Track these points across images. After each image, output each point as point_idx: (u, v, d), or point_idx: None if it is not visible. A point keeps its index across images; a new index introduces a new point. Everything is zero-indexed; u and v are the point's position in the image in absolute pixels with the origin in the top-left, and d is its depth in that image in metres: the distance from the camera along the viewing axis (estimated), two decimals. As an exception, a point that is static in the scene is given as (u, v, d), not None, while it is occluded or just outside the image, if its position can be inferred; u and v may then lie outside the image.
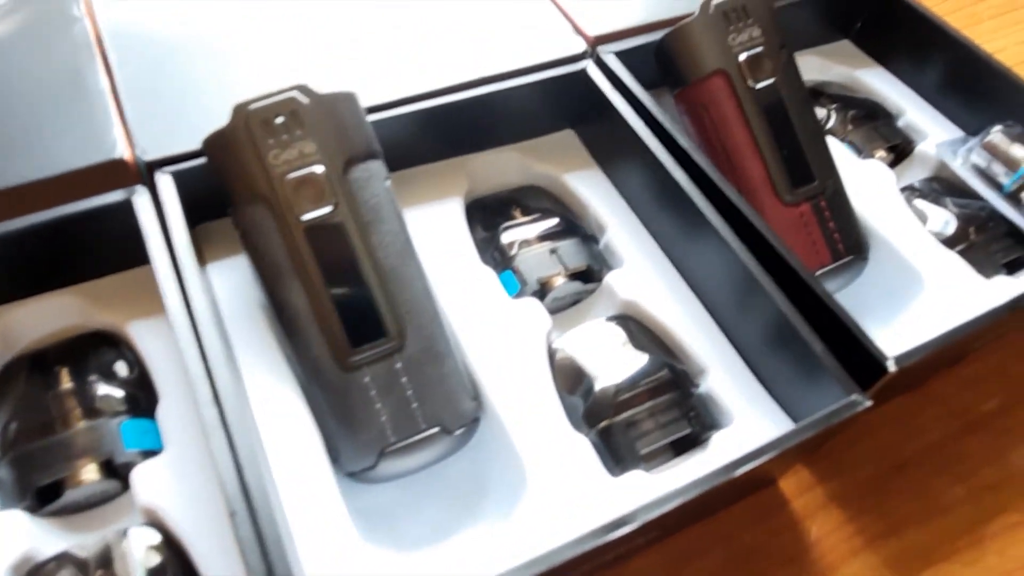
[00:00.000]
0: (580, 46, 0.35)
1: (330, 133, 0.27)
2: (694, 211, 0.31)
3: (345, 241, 0.27)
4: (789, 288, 0.29)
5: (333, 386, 0.27)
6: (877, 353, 0.27)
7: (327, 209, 0.27)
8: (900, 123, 0.42)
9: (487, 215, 0.36)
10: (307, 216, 0.27)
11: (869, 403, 0.26)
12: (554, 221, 0.35)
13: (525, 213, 0.36)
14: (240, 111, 0.27)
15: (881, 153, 0.40)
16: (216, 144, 0.27)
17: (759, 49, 0.34)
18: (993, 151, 0.38)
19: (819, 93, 0.43)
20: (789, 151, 0.34)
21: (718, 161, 0.35)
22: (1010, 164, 0.38)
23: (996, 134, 0.38)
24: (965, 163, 0.39)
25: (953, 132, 0.42)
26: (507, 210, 0.36)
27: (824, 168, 0.35)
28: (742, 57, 0.34)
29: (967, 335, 0.28)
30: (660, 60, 0.36)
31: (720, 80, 0.34)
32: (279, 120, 0.27)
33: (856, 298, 0.37)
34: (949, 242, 0.37)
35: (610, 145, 0.36)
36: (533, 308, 0.32)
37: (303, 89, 0.27)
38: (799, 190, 0.34)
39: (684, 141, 0.33)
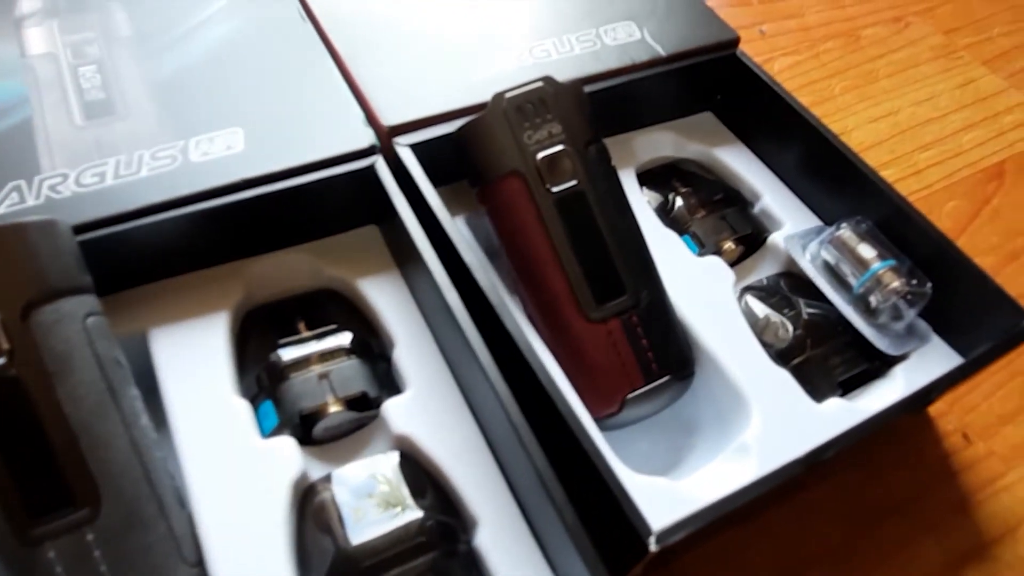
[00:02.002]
0: (368, 139, 0.32)
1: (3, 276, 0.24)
2: (465, 340, 0.27)
3: (22, 399, 0.23)
4: (562, 438, 0.26)
5: (12, 562, 0.24)
6: (639, 526, 0.24)
7: (-3, 362, 0.23)
8: (757, 208, 0.39)
9: (265, 328, 0.32)
10: (-25, 372, 0.23)
11: (615, 596, 0.22)
12: (340, 337, 0.31)
13: (310, 325, 0.32)
14: None
15: (729, 245, 0.37)
16: None
17: (559, 147, 0.30)
18: (841, 249, 0.35)
19: (671, 174, 0.40)
20: (595, 262, 0.30)
21: (520, 271, 0.31)
22: (858, 264, 0.34)
23: (844, 230, 0.35)
24: (815, 259, 0.36)
25: (810, 220, 0.38)
26: (290, 322, 0.32)
27: (639, 278, 0.31)
28: (539, 156, 0.30)
29: (745, 502, 0.25)
30: (458, 155, 0.32)
31: (515, 182, 0.30)
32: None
33: (681, 418, 0.33)
34: (785, 353, 0.33)
35: (402, 249, 0.33)
36: (284, 450, 0.28)
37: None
38: (606, 305, 0.30)
39: (469, 255, 0.29)
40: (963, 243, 0.43)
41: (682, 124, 0.41)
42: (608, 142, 0.38)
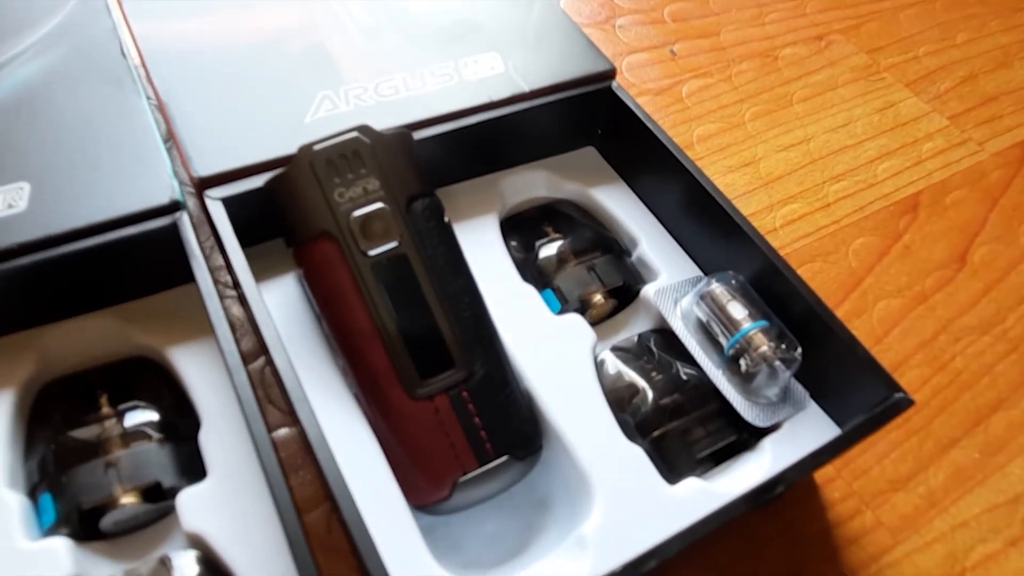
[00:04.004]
0: (170, 195, 0.28)
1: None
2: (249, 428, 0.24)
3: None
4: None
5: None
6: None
7: None
8: (634, 256, 0.36)
9: (64, 403, 0.29)
10: None
11: None
12: (143, 415, 0.28)
13: (117, 400, 0.29)
14: None
15: (598, 298, 0.34)
16: None
17: (377, 206, 0.27)
18: (712, 306, 0.32)
19: (544, 217, 0.37)
20: (419, 332, 0.27)
21: (340, 343, 0.28)
22: (729, 324, 0.31)
23: (716, 286, 0.32)
24: (687, 316, 0.33)
25: (690, 270, 0.35)
26: (90, 396, 0.29)
27: (472, 348, 0.28)
28: (353, 216, 0.27)
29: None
30: (272, 211, 0.29)
31: (327, 245, 0.27)
32: None
33: (535, 495, 0.30)
34: (644, 425, 0.30)
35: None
36: (53, 553, 0.24)
37: None
38: (433, 380, 0.27)
39: (268, 328, 0.26)
40: (870, 283, 0.41)
41: (560, 161, 0.38)
42: (473, 184, 0.36)
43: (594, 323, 0.33)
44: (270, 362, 0.32)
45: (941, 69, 0.54)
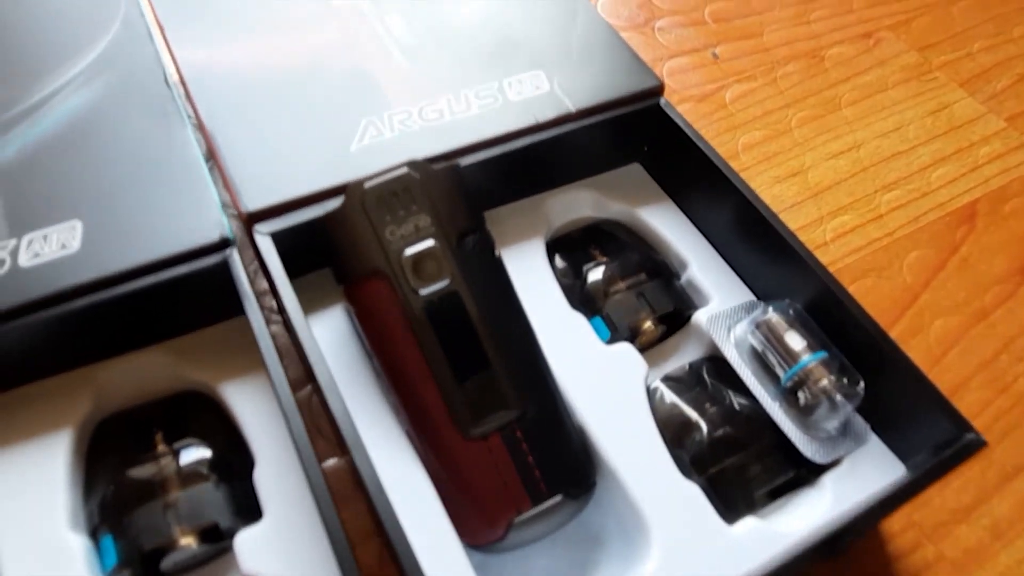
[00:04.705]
0: (219, 232, 0.28)
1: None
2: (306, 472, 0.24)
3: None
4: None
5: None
6: None
7: None
8: (684, 279, 0.35)
9: (121, 439, 0.29)
10: None
11: None
12: (197, 452, 0.28)
13: (172, 436, 0.29)
14: None
15: (648, 325, 0.33)
16: None
17: (428, 244, 0.27)
18: (768, 335, 0.31)
19: (591, 238, 0.36)
20: (472, 372, 0.27)
21: (391, 382, 0.28)
22: (786, 355, 0.30)
23: (772, 314, 0.31)
24: (741, 343, 0.32)
25: (742, 294, 0.34)
26: (148, 432, 0.29)
27: (525, 387, 0.27)
28: (405, 254, 0.26)
29: None
30: (324, 247, 0.29)
31: (378, 284, 0.26)
32: None
33: (589, 530, 0.30)
34: (699, 460, 0.30)
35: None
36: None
37: None
38: (486, 420, 0.27)
39: (322, 368, 0.26)
40: (926, 300, 0.40)
41: (605, 180, 0.37)
42: (518, 206, 0.36)
43: (643, 349, 0.33)
44: (317, 391, 0.32)
45: (997, 66, 0.51)
